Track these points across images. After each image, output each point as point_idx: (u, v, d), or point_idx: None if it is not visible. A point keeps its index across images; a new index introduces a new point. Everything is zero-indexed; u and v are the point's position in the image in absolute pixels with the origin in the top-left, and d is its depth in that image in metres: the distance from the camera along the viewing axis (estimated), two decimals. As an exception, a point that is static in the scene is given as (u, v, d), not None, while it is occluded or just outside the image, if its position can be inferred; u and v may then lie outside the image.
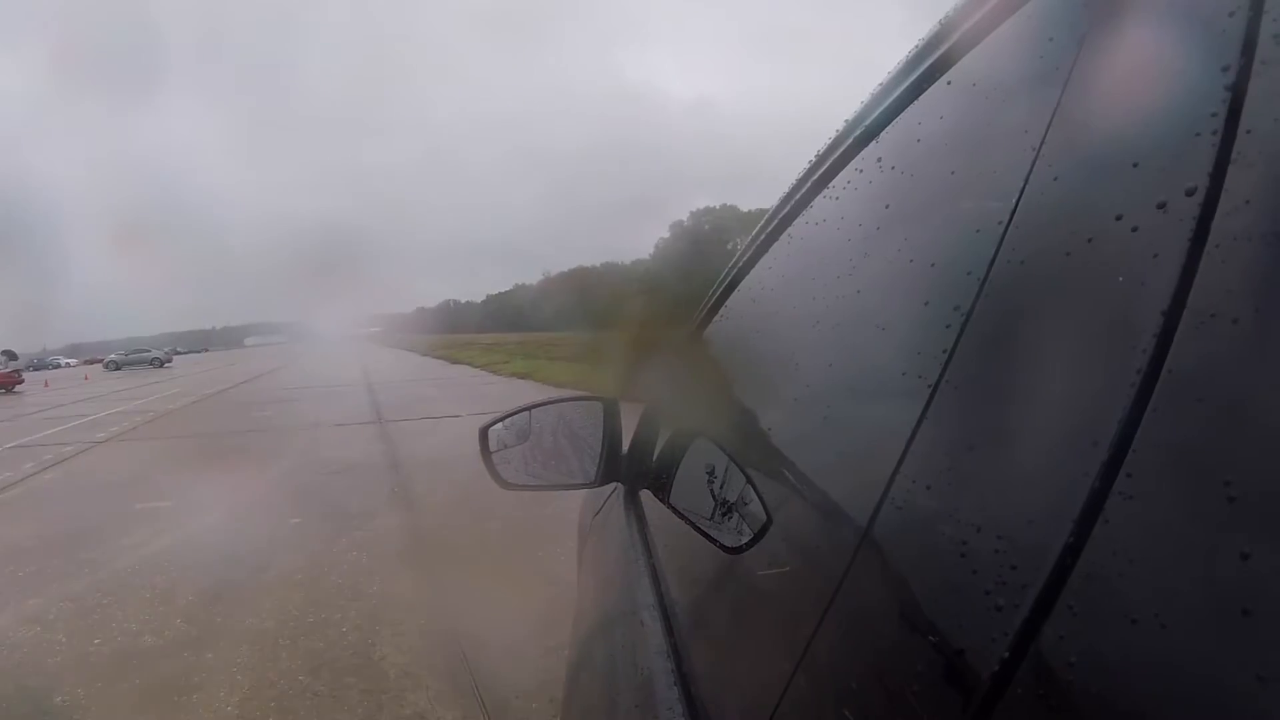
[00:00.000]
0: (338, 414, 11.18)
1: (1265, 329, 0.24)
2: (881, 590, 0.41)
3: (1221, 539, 0.23)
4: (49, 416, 14.54)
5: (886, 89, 0.63)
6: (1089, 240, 0.32)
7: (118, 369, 39.70)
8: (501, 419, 1.26)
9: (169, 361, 40.42)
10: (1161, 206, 0.29)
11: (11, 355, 39.48)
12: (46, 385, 28.58)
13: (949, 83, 0.53)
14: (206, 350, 77.54)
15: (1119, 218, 0.31)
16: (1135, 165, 0.31)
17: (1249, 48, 0.27)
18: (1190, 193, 0.27)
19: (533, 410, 1.26)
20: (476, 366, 22.58)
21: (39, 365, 55.05)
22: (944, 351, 0.39)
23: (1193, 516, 0.24)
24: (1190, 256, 0.27)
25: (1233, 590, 0.22)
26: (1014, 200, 0.38)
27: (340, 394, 15.42)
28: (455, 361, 26.79)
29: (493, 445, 1.23)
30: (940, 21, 0.55)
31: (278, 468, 7.10)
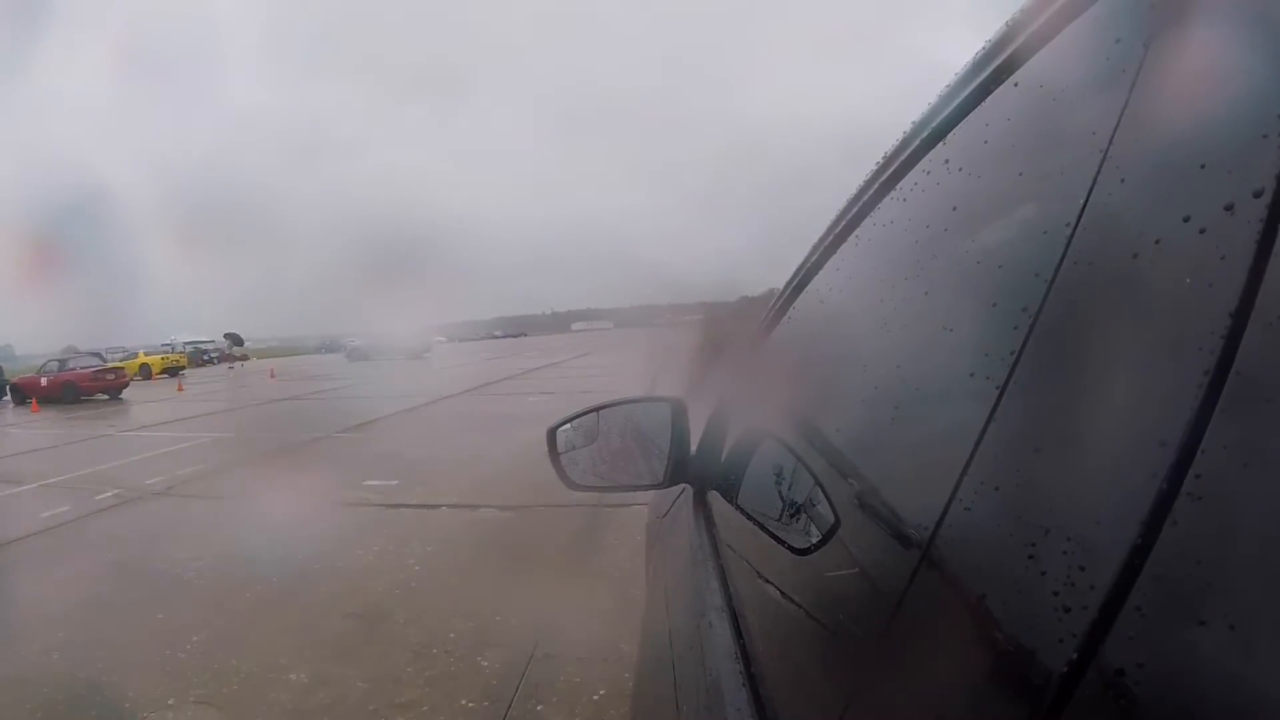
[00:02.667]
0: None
1: None
2: (949, 591, 0.41)
3: None
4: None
5: (953, 90, 0.63)
6: (1156, 242, 0.32)
7: (364, 359, 32.80)
8: (569, 420, 1.28)
9: (427, 352, 33.78)
10: (1229, 208, 0.28)
11: (237, 340, 36.12)
12: (180, 389, 20.69)
13: (1016, 84, 0.53)
14: (524, 335, 77.31)
15: (1186, 219, 0.30)
16: (1203, 167, 0.31)
17: None
18: (1258, 194, 0.27)
19: (600, 411, 1.28)
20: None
21: (331, 348, 49.51)
22: (1011, 353, 0.39)
23: (1262, 518, 0.24)
24: (1258, 258, 0.26)
25: None
26: (1081, 202, 0.38)
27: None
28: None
29: (561, 447, 1.25)
30: (1007, 23, 0.54)
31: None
